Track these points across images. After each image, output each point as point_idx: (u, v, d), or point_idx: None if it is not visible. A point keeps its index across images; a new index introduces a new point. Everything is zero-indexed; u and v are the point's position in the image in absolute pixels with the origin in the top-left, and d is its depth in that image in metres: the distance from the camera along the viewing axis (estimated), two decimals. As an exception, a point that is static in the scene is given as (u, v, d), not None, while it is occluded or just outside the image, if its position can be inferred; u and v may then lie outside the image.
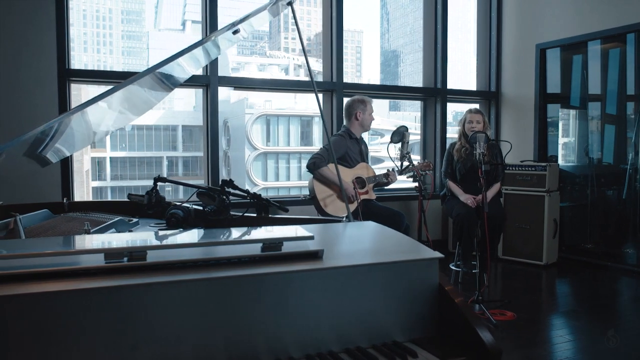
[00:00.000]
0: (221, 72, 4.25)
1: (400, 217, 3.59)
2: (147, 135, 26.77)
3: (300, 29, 1.89)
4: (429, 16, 5.24)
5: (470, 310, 1.14)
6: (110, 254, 1.03)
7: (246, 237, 1.26)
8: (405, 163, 3.63)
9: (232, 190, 1.85)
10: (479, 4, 5.50)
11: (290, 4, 1.73)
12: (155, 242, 1.19)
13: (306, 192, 3.80)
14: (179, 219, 1.81)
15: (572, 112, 5.15)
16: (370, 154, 4.00)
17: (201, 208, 1.87)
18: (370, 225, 1.53)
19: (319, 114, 2.07)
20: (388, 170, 3.77)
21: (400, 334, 1.14)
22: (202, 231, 1.39)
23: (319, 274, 1.08)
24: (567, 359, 2.66)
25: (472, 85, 5.67)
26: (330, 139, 2.68)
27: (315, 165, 3.54)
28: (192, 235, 1.35)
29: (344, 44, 4.79)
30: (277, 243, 1.15)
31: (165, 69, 1.59)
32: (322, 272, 1.09)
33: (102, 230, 1.69)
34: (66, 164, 3.79)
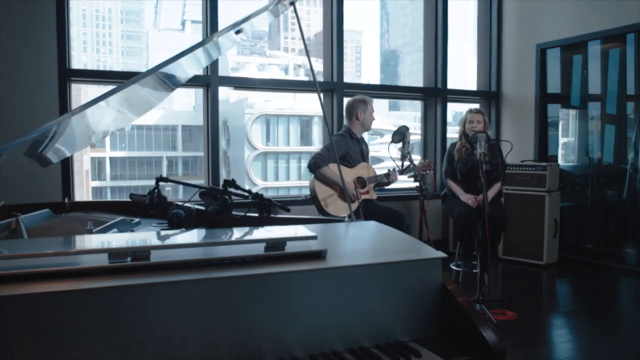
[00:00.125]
0: (221, 72, 4.25)
1: (401, 217, 3.59)
2: (146, 135, 26.73)
3: (301, 28, 1.89)
4: (429, 16, 5.24)
5: (474, 310, 1.14)
6: (114, 253, 1.03)
7: (249, 237, 1.26)
8: (406, 163, 3.63)
9: (234, 190, 1.85)
10: (479, 4, 5.51)
11: (292, 3, 1.73)
12: (159, 242, 1.19)
13: (306, 192, 3.80)
14: (181, 219, 1.81)
15: (572, 112, 5.16)
16: (370, 153, 4.00)
17: (203, 208, 1.87)
18: (373, 225, 1.54)
19: (319, 114, 2.07)
20: (389, 170, 3.77)
21: (404, 333, 1.14)
22: (205, 231, 1.39)
23: (323, 273, 1.09)
24: (568, 358, 2.66)
25: (472, 85, 5.67)
26: (331, 139, 2.68)
27: (316, 164, 3.54)
28: (195, 235, 1.35)
29: (344, 44, 4.79)
30: (280, 243, 1.15)
31: (168, 69, 1.59)
32: (326, 272, 1.09)
33: (104, 230, 1.69)
34: (66, 164, 3.79)
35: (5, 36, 3.52)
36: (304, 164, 3.73)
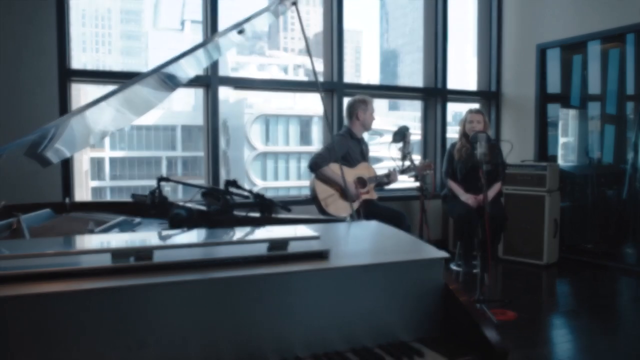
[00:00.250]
0: (221, 72, 4.25)
1: (401, 218, 3.59)
2: (146, 135, 26.72)
3: (303, 28, 1.89)
4: (429, 16, 5.24)
5: (476, 310, 1.14)
6: (118, 254, 1.03)
7: (252, 237, 1.26)
8: (407, 163, 3.63)
9: (236, 191, 1.85)
10: (479, 4, 5.51)
11: (294, 3, 1.73)
12: (162, 242, 1.19)
13: (305, 192, 3.79)
14: (182, 219, 1.81)
15: (572, 112, 5.16)
16: (370, 153, 4.00)
17: (204, 208, 1.87)
18: (374, 225, 1.54)
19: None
20: (389, 170, 3.77)
21: (406, 333, 1.14)
22: (207, 231, 1.39)
23: (326, 274, 1.09)
24: (568, 359, 2.67)
25: (472, 85, 5.68)
26: (333, 139, 2.68)
27: (317, 164, 3.54)
28: (198, 235, 1.35)
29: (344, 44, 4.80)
30: (283, 243, 1.15)
31: (169, 69, 1.59)
32: (329, 272, 1.09)
33: (106, 230, 1.69)
34: (66, 164, 3.78)
35: (5, 36, 3.52)
36: (304, 164, 3.72)
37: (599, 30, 4.53)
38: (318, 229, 1.32)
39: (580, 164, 5.00)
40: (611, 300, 3.77)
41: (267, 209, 1.83)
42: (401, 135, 3.64)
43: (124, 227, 1.80)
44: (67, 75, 3.74)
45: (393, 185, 4.00)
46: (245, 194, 1.85)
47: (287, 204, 1.95)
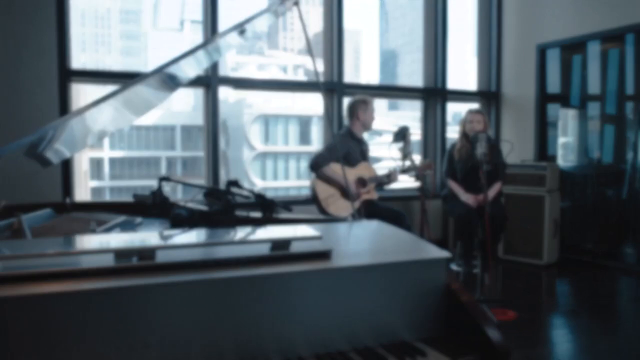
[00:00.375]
0: (221, 72, 4.25)
1: (402, 217, 3.59)
2: (145, 135, 26.73)
3: (305, 29, 1.88)
4: (429, 16, 5.24)
5: (478, 309, 1.14)
6: (121, 254, 1.03)
7: (255, 237, 1.25)
8: (407, 163, 3.63)
9: (237, 191, 1.85)
10: (479, 4, 5.51)
11: (296, 4, 1.73)
12: (164, 242, 1.19)
13: (305, 192, 3.80)
14: (183, 219, 1.80)
15: (572, 112, 5.16)
16: (370, 153, 4.00)
17: (205, 208, 1.86)
18: (376, 225, 1.54)
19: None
20: (390, 170, 3.77)
21: (408, 333, 1.14)
22: (210, 231, 1.39)
23: (328, 273, 1.09)
24: (568, 358, 2.67)
25: (472, 86, 5.68)
26: (333, 138, 2.68)
27: (318, 164, 3.53)
28: (201, 236, 1.35)
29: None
30: (285, 243, 1.15)
31: (171, 70, 1.59)
32: (331, 272, 1.09)
33: (107, 230, 1.69)
34: (66, 164, 3.78)
35: (5, 36, 3.52)
36: (303, 164, 3.72)
37: (598, 30, 4.53)
38: (319, 229, 1.32)
39: (580, 164, 5.00)
40: (611, 300, 3.77)
41: (268, 209, 1.83)
42: (401, 135, 3.64)
43: (125, 227, 1.80)
44: (67, 75, 3.74)
45: (393, 185, 4.00)
46: (247, 194, 1.85)
47: (287, 204, 1.95)
